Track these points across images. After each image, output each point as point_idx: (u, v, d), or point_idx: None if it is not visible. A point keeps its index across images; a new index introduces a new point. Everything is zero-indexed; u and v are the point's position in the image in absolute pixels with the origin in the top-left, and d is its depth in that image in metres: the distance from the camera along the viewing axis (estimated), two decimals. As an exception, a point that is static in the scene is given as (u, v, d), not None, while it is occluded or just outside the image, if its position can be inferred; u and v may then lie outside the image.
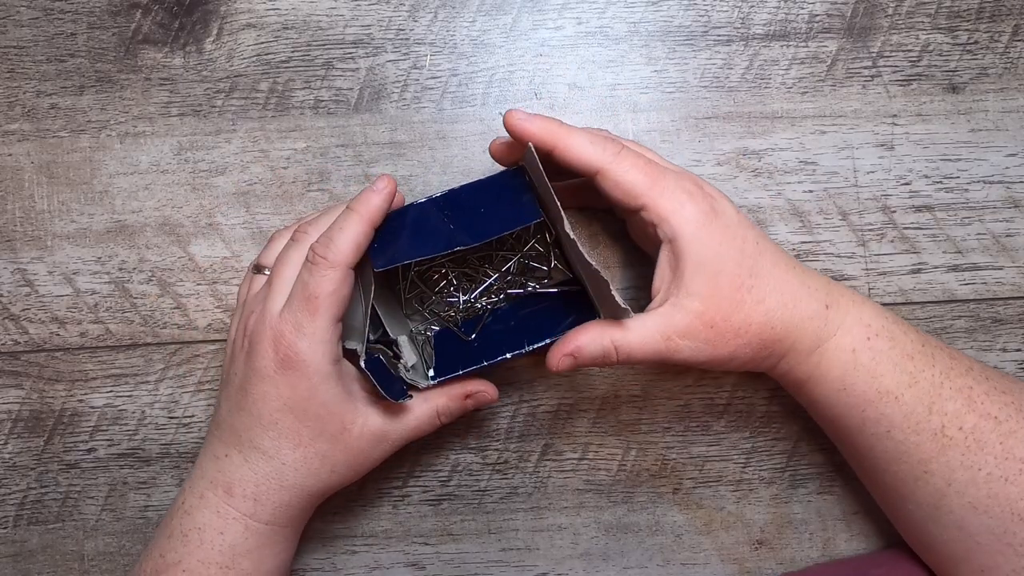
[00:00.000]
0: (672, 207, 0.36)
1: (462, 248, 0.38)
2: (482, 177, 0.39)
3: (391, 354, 0.42)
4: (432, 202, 0.39)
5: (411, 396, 0.39)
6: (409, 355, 0.42)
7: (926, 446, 0.36)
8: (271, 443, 0.37)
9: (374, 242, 0.38)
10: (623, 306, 0.36)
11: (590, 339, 0.37)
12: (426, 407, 0.40)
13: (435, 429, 0.40)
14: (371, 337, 0.40)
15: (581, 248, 0.36)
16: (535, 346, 0.40)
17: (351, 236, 0.36)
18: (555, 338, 0.39)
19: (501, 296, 0.45)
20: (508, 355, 0.39)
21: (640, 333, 0.37)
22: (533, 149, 0.37)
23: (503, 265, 0.45)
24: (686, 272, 0.36)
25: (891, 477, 0.38)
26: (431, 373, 0.41)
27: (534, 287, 0.45)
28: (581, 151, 0.37)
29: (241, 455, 0.38)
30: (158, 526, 0.40)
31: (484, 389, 0.41)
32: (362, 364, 0.38)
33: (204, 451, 0.39)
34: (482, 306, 0.45)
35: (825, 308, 0.38)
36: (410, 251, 0.38)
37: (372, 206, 0.37)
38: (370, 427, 0.38)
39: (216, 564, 0.37)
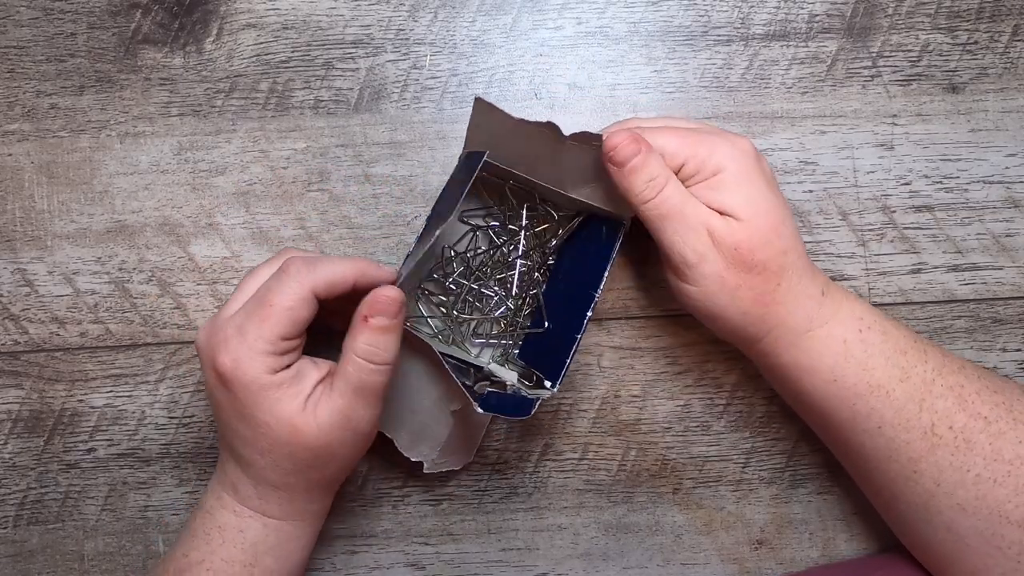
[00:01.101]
0: (716, 147, 0.37)
1: (440, 230, 0.37)
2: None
3: (490, 385, 0.43)
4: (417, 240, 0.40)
5: (540, 400, 0.38)
6: (508, 375, 0.43)
7: (916, 444, 0.36)
8: (241, 449, 0.37)
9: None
10: (595, 132, 0.37)
11: (657, 156, 0.37)
12: (348, 358, 0.36)
13: (386, 375, 0.36)
14: (468, 383, 0.41)
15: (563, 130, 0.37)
16: (600, 286, 0.39)
17: (332, 271, 0.35)
18: (610, 262, 0.40)
19: (535, 272, 0.44)
20: (589, 312, 0.39)
21: (701, 208, 0.37)
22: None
23: (515, 253, 0.44)
24: (733, 193, 0.36)
25: (881, 476, 0.38)
26: (547, 383, 0.40)
27: (556, 243, 0.44)
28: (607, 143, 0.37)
29: (232, 459, 0.38)
30: (182, 527, 0.40)
31: (373, 294, 0.36)
32: (479, 410, 0.38)
33: (220, 451, 0.39)
34: (528, 296, 0.44)
35: (821, 294, 0.38)
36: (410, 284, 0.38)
37: (371, 271, 0.36)
38: (321, 419, 0.36)
39: (240, 563, 0.37)
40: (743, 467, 0.46)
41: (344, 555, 0.45)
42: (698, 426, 0.46)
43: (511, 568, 0.45)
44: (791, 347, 0.38)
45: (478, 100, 0.37)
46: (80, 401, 0.45)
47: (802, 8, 0.46)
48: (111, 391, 0.45)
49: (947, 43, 0.46)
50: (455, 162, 0.43)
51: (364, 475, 0.45)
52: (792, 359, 0.38)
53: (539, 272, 0.45)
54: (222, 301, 0.45)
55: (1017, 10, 0.46)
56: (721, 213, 0.37)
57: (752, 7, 0.46)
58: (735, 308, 0.37)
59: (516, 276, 0.44)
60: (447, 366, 0.38)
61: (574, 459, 0.46)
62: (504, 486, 0.46)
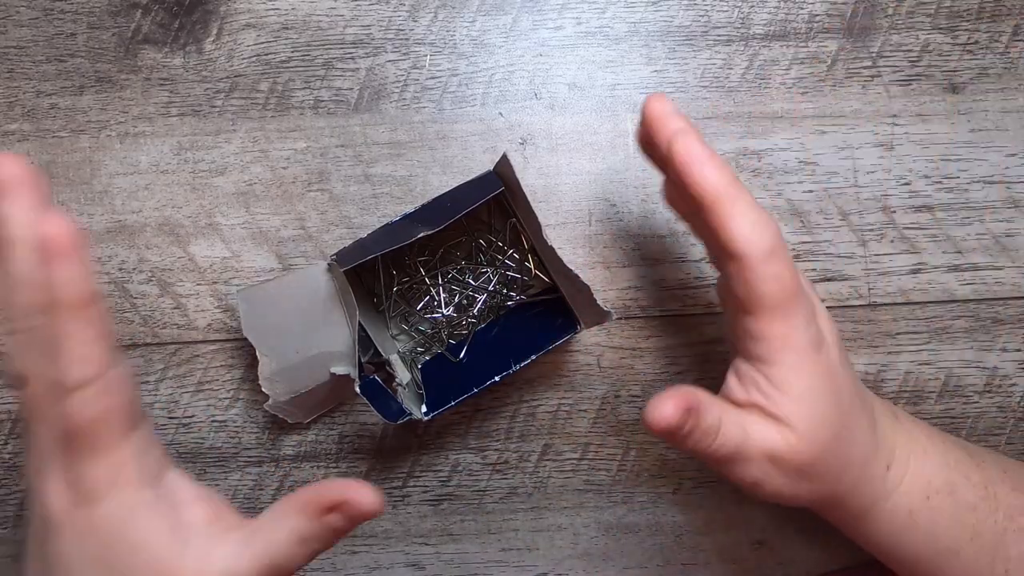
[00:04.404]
0: (783, 332, 0.31)
1: (425, 234, 0.37)
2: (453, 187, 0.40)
3: (384, 375, 0.43)
4: (404, 216, 0.40)
5: (410, 415, 0.38)
6: (403, 373, 0.43)
7: None
8: None
9: (344, 252, 0.39)
10: (605, 309, 0.36)
11: (707, 405, 0.31)
12: (279, 532, 0.29)
13: (304, 560, 0.29)
14: (363, 358, 0.41)
15: (559, 256, 0.36)
16: (522, 364, 0.40)
17: (87, 338, 0.25)
18: (536, 357, 0.39)
19: (485, 310, 0.45)
20: (497, 378, 0.40)
21: (735, 431, 0.31)
22: (507, 156, 0.37)
23: (482, 279, 0.45)
24: (785, 403, 0.32)
25: None
26: (424, 409, 0.40)
27: (519, 298, 0.45)
28: (737, 232, 0.30)
29: None
30: None
31: (354, 497, 0.29)
32: (357, 389, 0.38)
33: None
34: (466, 322, 0.45)
35: (886, 469, 0.34)
36: (373, 248, 0.38)
37: (76, 290, 0.25)
38: (211, 571, 0.27)
39: None
40: (743, 467, 0.46)
41: (344, 555, 0.45)
42: (698, 426, 0.46)
43: (511, 568, 0.45)
44: (848, 524, 0.36)
45: (505, 155, 0.38)
46: (80, 401, 0.45)
47: (802, 8, 0.46)
48: (111, 391, 0.45)
49: (947, 43, 0.46)
50: (455, 162, 0.43)
51: (364, 475, 0.45)
52: (853, 531, 0.36)
53: (486, 307, 0.45)
54: (222, 301, 0.45)
55: (1017, 10, 0.46)
56: (776, 418, 0.32)
57: (752, 7, 0.46)
58: (794, 500, 0.34)
59: (467, 301, 0.45)
60: (357, 333, 0.39)
61: (574, 459, 0.46)
62: (504, 486, 0.46)
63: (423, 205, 0.40)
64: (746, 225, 0.30)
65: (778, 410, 0.32)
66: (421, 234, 0.37)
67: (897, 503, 0.34)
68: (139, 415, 0.28)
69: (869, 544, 0.37)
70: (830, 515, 0.36)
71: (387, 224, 0.39)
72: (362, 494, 0.29)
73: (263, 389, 0.40)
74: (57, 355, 0.25)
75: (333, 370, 0.40)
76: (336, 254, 0.39)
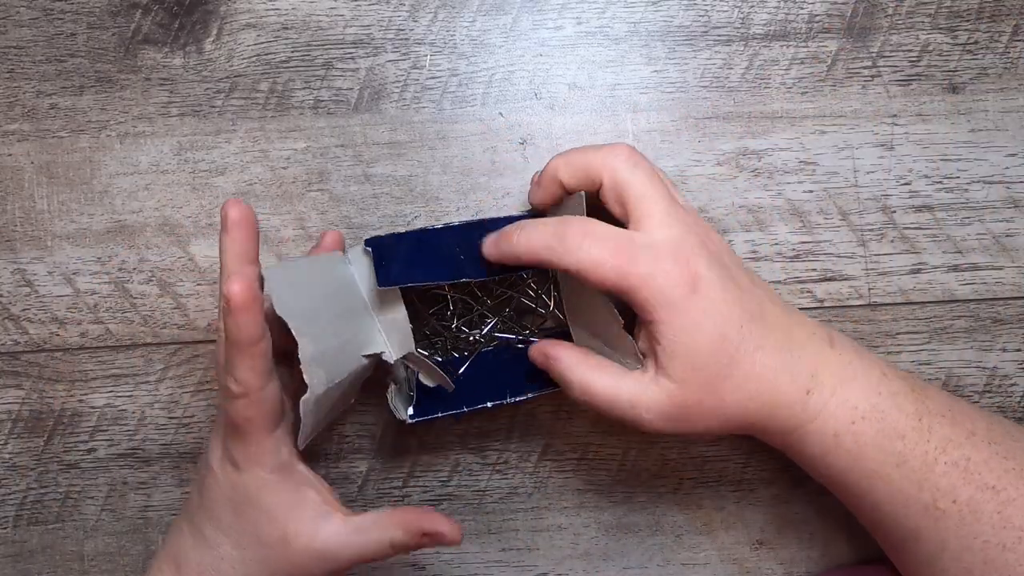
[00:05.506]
0: (647, 286, 0.34)
1: (466, 280, 0.38)
2: (501, 216, 0.39)
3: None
4: (449, 230, 0.39)
5: (396, 411, 0.39)
6: (399, 371, 0.42)
7: (916, 518, 0.35)
8: (212, 533, 0.36)
9: (382, 259, 0.38)
10: (637, 355, 0.36)
11: (568, 363, 0.37)
12: (379, 535, 0.36)
13: (386, 557, 0.37)
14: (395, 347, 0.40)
15: (599, 295, 0.36)
16: (516, 399, 0.40)
17: (246, 368, 0.33)
18: (536, 394, 0.39)
19: (490, 333, 0.44)
20: (489, 404, 0.40)
21: (609, 390, 0.36)
22: (584, 197, 0.37)
23: (500, 300, 0.44)
24: (661, 355, 0.35)
25: (883, 536, 0.38)
26: (410, 411, 0.40)
27: (527, 333, 0.44)
28: (575, 269, 0.35)
29: (192, 536, 0.36)
30: None
31: (444, 531, 0.36)
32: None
33: (177, 517, 0.38)
34: (473, 340, 0.45)
35: (806, 394, 0.36)
36: (414, 275, 0.38)
37: (245, 334, 0.33)
38: (316, 544, 0.35)
39: None
40: (743, 467, 0.46)
41: (344, 555, 0.45)
42: (698, 426, 0.46)
43: (511, 568, 0.45)
44: (776, 441, 0.37)
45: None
46: (80, 401, 0.45)
47: (802, 8, 0.46)
48: (111, 391, 0.45)
49: (947, 43, 0.46)
50: (455, 162, 0.43)
51: (364, 475, 0.45)
52: (779, 445, 0.38)
53: (495, 331, 0.45)
54: (222, 301, 0.45)
55: (1017, 10, 0.46)
56: (658, 368, 0.35)
57: (752, 7, 0.46)
58: (705, 436, 0.37)
59: (478, 318, 0.44)
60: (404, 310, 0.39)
61: (574, 459, 0.46)
62: (504, 486, 0.46)
63: (466, 226, 0.39)
64: (575, 263, 0.35)
65: (658, 360, 0.35)
66: (463, 279, 0.38)
67: (823, 426, 0.36)
68: (279, 421, 0.35)
69: (803, 464, 0.38)
70: (759, 438, 0.38)
71: (429, 231, 0.39)
72: (454, 532, 0.36)
73: (305, 376, 0.35)
74: (228, 372, 0.33)
75: (365, 353, 0.39)
76: (371, 241, 0.38)
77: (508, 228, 0.38)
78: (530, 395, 0.40)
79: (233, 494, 0.35)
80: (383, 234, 0.39)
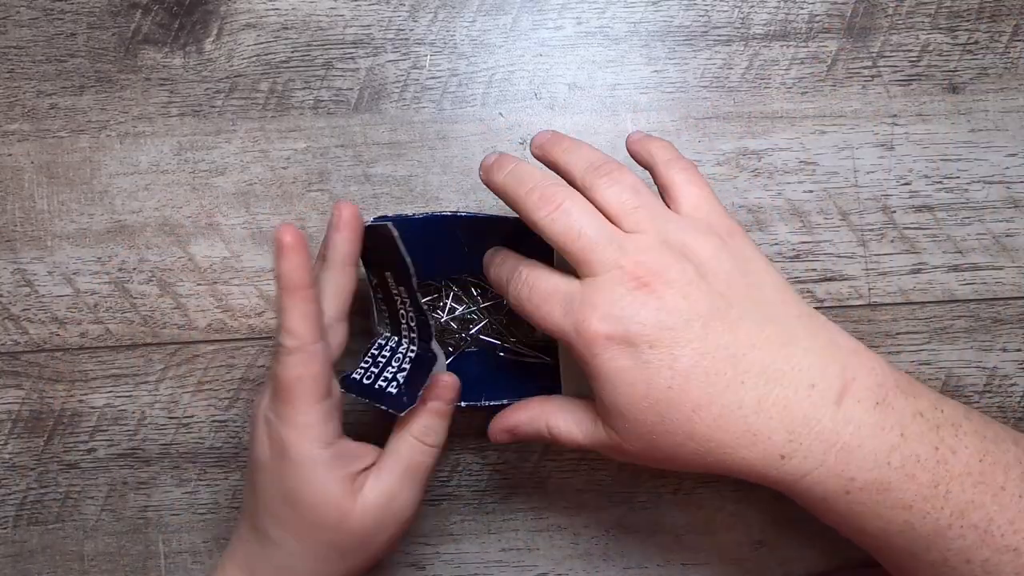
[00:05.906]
0: (588, 349, 0.33)
1: (467, 278, 0.39)
2: (504, 214, 0.39)
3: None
4: (456, 219, 0.39)
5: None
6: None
7: (923, 571, 0.33)
8: (276, 532, 0.36)
9: (400, 221, 0.37)
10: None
11: (528, 419, 0.37)
12: (416, 459, 0.37)
13: (434, 457, 0.38)
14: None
15: None
16: (491, 403, 0.40)
17: (297, 315, 0.33)
18: (510, 402, 0.39)
19: (477, 335, 0.44)
20: (463, 404, 0.39)
21: (571, 431, 0.36)
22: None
23: (493, 303, 0.44)
24: (599, 404, 0.34)
25: (885, 563, 0.36)
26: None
27: (514, 341, 0.44)
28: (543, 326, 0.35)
29: (258, 541, 0.36)
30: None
31: (442, 393, 0.38)
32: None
33: (237, 525, 0.38)
34: (460, 337, 0.44)
35: (779, 459, 0.32)
36: (420, 266, 0.38)
37: (294, 278, 0.33)
38: (367, 501, 0.36)
39: None
40: (743, 467, 0.46)
41: (344, 555, 0.45)
42: (698, 426, 0.46)
43: (511, 568, 0.45)
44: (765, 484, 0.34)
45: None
46: (80, 401, 0.45)
47: (802, 8, 0.46)
48: (111, 391, 0.45)
49: (947, 43, 0.46)
50: (455, 162, 0.43)
51: (364, 475, 0.46)
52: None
53: (481, 333, 0.45)
54: (222, 301, 0.45)
55: (1017, 10, 0.46)
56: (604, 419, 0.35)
57: (752, 7, 0.46)
58: (679, 468, 0.34)
59: (470, 316, 0.44)
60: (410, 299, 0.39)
61: (574, 459, 0.46)
62: (504, 486, 0.46)
63: (473, 219, 0.39)
64: (545, 323, 0.34)
65: (600, 412, 0.35)
66: (467, 277, 0.38)
67: (808, 488, 0.32)
68: (327, 391, 0.35)
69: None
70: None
71: (433, 218, 0.38)
72: (447, 386, 0.38)
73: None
74: (282, 326, 0.33)
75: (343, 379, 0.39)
76: (393, 219, 0.37)
77: (489, 255, 0.38)
78: (505, 401, 0.39)
79: (283, 484, 0.35)
80: (390, 214, 0.38)
